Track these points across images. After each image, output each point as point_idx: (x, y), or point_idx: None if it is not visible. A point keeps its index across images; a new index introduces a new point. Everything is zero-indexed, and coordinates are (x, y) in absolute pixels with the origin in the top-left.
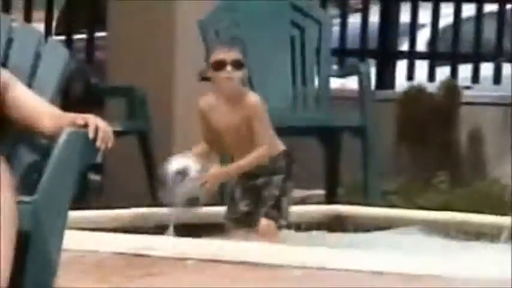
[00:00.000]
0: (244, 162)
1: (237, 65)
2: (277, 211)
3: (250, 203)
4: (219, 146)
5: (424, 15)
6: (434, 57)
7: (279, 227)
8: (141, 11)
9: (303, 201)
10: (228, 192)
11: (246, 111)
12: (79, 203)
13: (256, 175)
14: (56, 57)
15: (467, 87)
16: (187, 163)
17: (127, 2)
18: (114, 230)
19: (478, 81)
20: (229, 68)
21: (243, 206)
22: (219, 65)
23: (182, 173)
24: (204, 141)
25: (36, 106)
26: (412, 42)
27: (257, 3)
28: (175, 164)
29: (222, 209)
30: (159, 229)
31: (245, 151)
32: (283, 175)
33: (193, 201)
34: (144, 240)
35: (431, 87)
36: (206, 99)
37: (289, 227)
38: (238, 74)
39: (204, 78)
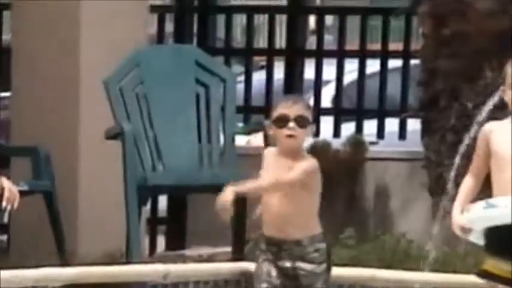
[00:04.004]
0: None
1: (301, 121)
2: None
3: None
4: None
5: (329, 71)
6: (339, 113)
7: None
8: (45, 70)
9: (211, 258)
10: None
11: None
12: None
13: (291, 255)
14: None
15: (373, 143)
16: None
17: (31, 62)
18: None
19: (383, 137)
20: (292, 124)
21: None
22: (281, 121)
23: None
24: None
25: None
26: (317, 98)
27: (161, 61)
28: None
29: None
30: None
31: (285, 211)
32: (325, 263)
33: None
34: None
35: (337, 143)
36: (269, 151)
37: (197, 284)
38: (302, 132)
39: (110, 137)
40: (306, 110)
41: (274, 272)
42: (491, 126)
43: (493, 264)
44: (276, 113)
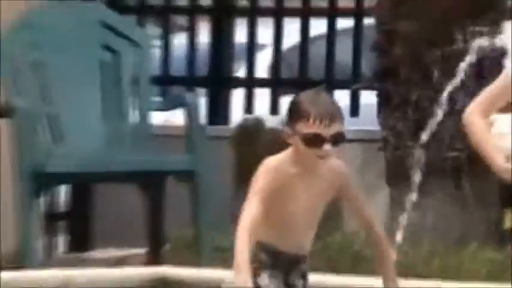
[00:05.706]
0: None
1: (338, 139)
2: None
3: None
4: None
5: (265, 33)
6: (277, 84)
7: None
8: None
9: (121, 262)
10: None
11: (333, 178)
12: None
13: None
14: None
15: None
16: None
17: None
18: None
19: None
20: (327, 146)
21: None
22: (315, 141)
23: None
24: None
25: None
26: (250, 66)
27: (61, 22)
28: None
29: None
30: None
31: (312, 226)
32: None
33: None
34: None
35: (274, 122)
36: (279, 163)
37: None
38: (335, 150)
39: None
40: (342, 124)
41: None
42: None
43: None
44: (308, 128)
